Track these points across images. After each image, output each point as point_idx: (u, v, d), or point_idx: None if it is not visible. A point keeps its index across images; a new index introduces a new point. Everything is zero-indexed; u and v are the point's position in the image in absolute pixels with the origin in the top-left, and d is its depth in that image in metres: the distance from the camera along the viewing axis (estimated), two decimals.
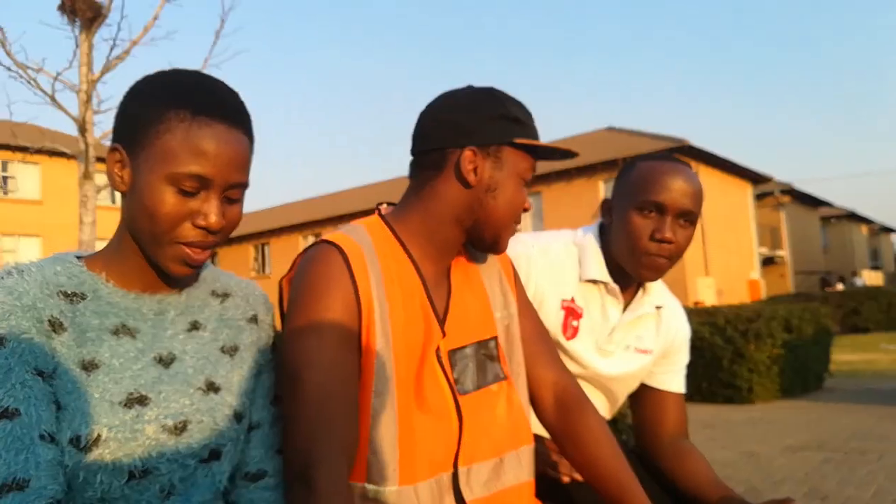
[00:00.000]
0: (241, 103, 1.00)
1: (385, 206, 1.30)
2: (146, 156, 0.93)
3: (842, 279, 31.85)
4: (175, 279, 1.03)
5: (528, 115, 1.23)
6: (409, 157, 1.26)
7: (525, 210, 1.24)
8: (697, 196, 1.47)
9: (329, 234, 1.19)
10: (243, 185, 0.98)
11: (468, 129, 1.18)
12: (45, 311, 0.90)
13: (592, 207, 22.14)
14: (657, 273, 1.49)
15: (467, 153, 1.17)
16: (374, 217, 1.26)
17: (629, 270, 1.51)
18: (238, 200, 0.99)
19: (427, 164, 1.21)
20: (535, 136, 1.22)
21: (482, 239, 1.22)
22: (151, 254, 0.96)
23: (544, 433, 1.49)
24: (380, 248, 1.18)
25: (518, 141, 1.19)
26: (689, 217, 1.48)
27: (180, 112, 0.93)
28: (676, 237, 1.46)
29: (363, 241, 1.17)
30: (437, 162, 1.20)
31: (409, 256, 1.21)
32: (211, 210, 0.94)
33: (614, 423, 3.44)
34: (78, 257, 1.01)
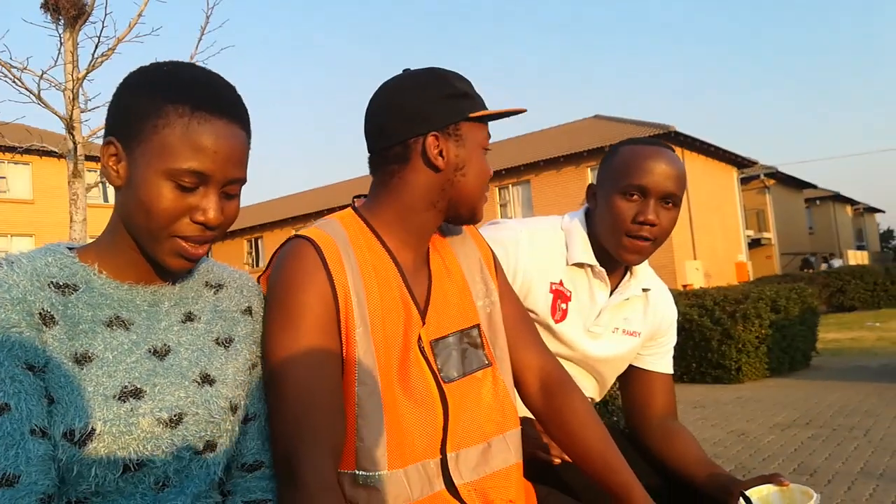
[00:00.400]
0: (239, 97, 0.99)
1: (361, 199, 1.30)
2: (143, 150, 0.91)
3: (825, 259, 32.12)
4: (169, 271, 1.02)
5: (471, 84, 1.25)
6: (367, 155, 1.26)
7: (491, 178, 1.27)
8: (680, 178, 1.49)
9: (303, 229, 1.20)
10: (241, 181, 0.98)
11: (424, 115, 1.19)
12: (36, 304, 0.88)
13: (580, 195, 22.17)
14: (640, 256, 1.51)
15: (430, 139, 1.18)
16: (348, 210, 1.26)
17: (613, 253, 1.53)
18: (236, 196, 0.99)
19: (391, 159, 1.21)
20: (482, 104, 1.24)
21: (459, 215, 1.25)
22: (148, 248, 0.95)
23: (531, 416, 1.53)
24: (355, 239, 1.19)
25: (472, 115, 1.21)
26: (673, 199, 1.50)
27: (179, 107, 0.91)
28: (660, 219, 1.48)
29: (337, 233, 1.18)
30: (401, 155, 1.20)
31: (385, 246, 1.22)
32: (210, 206, 0.94)
33: (605, 404, 3.49)
34: (70, 248, 0.99)
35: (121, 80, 0.97)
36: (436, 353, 1.20)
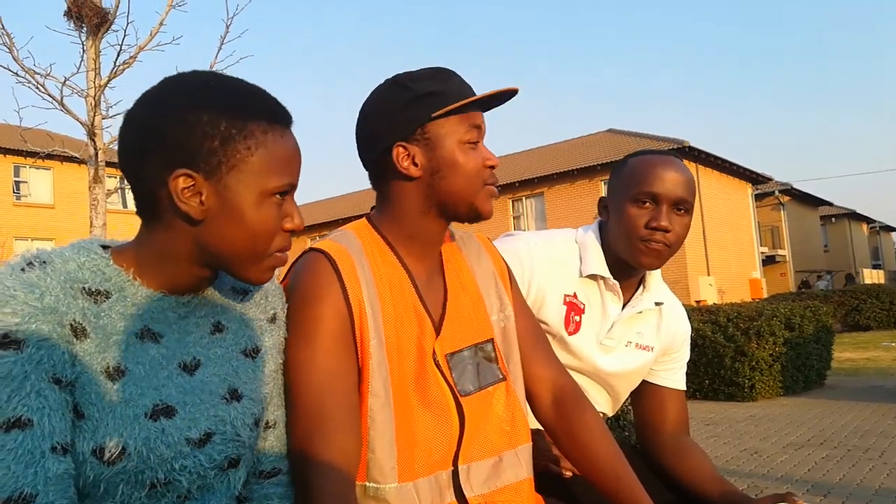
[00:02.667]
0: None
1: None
2: (237, 175, 0.89)
3: (819, 277, 31.75)
4: (203, 279, 0.99)
5: (443, 78, 1.21)
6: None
7: (492, 167, 1.22)
8: (690, 185, 1.50)
9: (318, 241, 1.20)
10: None
11: (387, 127, 1.19)
12: (68, 315, 0.85)
13: (594, 208, 22.11)
14: (658, 258, 1.51)
15: (397, 150, 1.18)
16: (362, 221, 1.27)
17: (630, 261, 1.53)
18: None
19: (375, 175, 1.24)
20: (457, 94, 1.19)
21: (458, 215, 1.22)
22: (242, 271, 0.94)
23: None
24: (369, 250, 1.20)
25: (435, 114, 1.17)
26: (684, 205, 1.51)
27: (259, 123, 0.90)
28: (673, 225, 1.49)
29: (352, 245, 1.19)
30: (379, 170, 1.22)
31: (398, 256, 1.22)
32: (294, 211, 0.96)
33: (616, 419, 3.47)
34: (104, 247, 0.95)
35: (152, 104, 0.90)
36: (451, 367, 1.21)
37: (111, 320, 0.89)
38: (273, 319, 1.10)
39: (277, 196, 0.92)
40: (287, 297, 1.15)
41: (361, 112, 1.24)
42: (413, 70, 1.23)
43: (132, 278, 0.93)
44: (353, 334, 1.13)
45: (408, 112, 1.18)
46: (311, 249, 1.18)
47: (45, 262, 0.87)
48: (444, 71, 1.23)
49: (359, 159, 1.27)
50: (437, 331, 1.21)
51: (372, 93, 1.24)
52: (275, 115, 0.92)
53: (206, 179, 0.88)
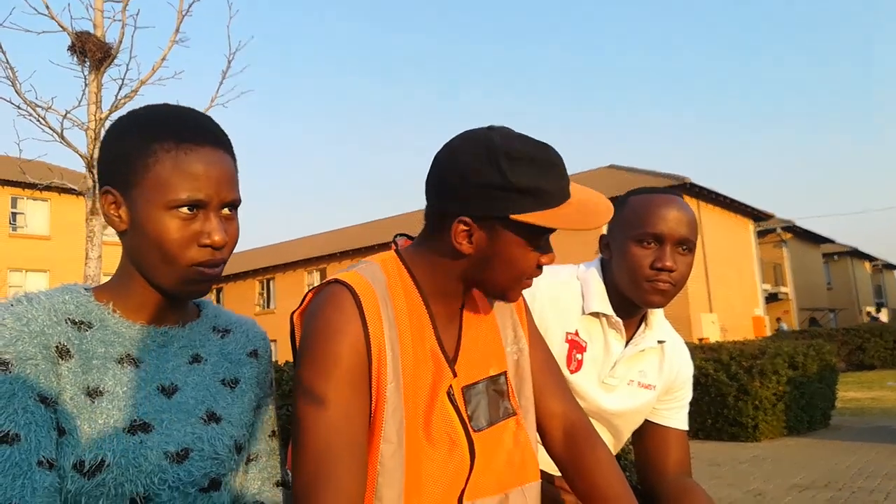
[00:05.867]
0: (218, 126, 1.03)
1: (403, 238, 1.27)
2: (140, 191, 0.95)
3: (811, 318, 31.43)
4: (178, 312, 1.06)
5: (542, 172, 1.08)
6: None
7: (540, 266, 1.15)
8: (693, 224, 1.50)
9: (343, 271, 1.17)
10: (236, 202, 1.02)
11: (461, 196, 1.09)
12: (53, 338, 0.91)
13: (594, 244, 22.16)
14: (664, 297, 1.49)
15: (458, 225, 1.10)
16: (390, 253, 1.23)
17: (635, 300, 1.52)
18: (234, 216, 1.03)
19: (431, 220, 1.17)
20: (547, 198, 1.08)
21: (489, 294, 1.19)
22: (166, 283, 0.98)
23: (552, 469, 1.48)
24: (393, 286, 1.16)
25: (514, 217, 1.07)
26: (687, 244, 1.50)
27: (165, 143, 0.95)
28: (677, 264, 1.48)
29: (377, 280, 1.15)
30: (436, 223, 1.15)
31: (421, 293, 1.18)
32: (213, 228, 0.97)
33: (617, 459, 3.41)
34: (86, 289, 1.02)
35: (104, 134, 1.02)
36: (467, 400, 1.18)
37: (92, 345, 0.95)
38: (253, 355, 1.14)
39: (185, 209, 0.95)
40: (305, 325, 1.13)
41: (444, 156, 1.12)
42: (517, 138, 1.10)
43: (112, 310, 1.00)
44: (370, 375, 1.09)
45: (491, 195, 1.07)
46: (336, 281, 1.14)
47: (31, 298, 0.94)
48: (548, 161, 1.10)
49: (424, 186, 1.18)
50: (453, 367, 1.18)
51: (465, 141, 1.11)
52: (183, 135, 0.97)
53: (121, 195, 0.97)
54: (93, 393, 0.92)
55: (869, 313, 31.48)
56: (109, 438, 0.90)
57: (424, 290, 1.19)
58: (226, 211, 1.00)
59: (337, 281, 1.13)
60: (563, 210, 1.09)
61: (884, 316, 27.42)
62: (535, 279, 1.55)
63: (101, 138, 1.04)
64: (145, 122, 0.98)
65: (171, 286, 0.99)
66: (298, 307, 1.18)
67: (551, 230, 1.11)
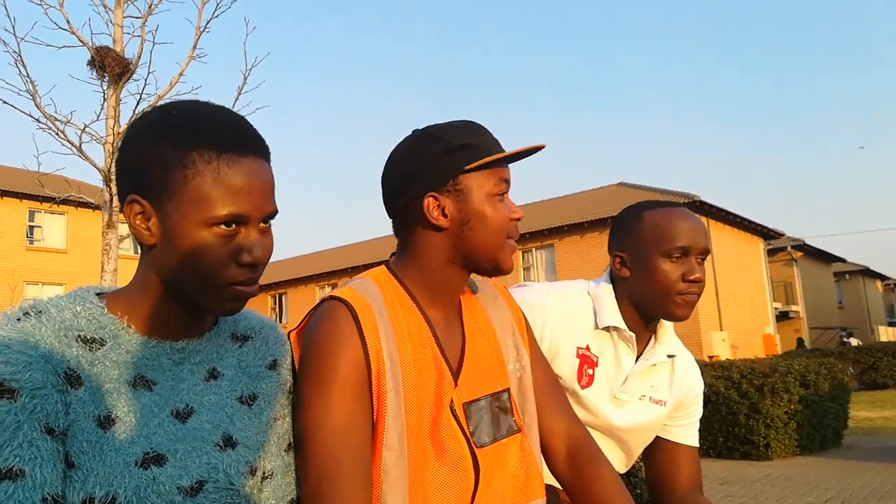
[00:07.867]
0: (256, 130, 0.96)
1: (394, 257, 1.30)
2: (176, 204, 0.88)
3: (840, 336, 30.58)
4: (198, 324, 1.00)
5: (475, 132, 1.22)
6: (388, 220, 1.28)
7: (517, 219, 1.23)
8: (707, 233, 1.56)
9: (338, 289, 1.19)
10: (275, 213, 0.96)
11: (418, 177, 1.19)
12: (62, 364, 0.84)
13: (604, 261, 22.10)
14: (690, 309, 1.54)
15: (428, 200, 1.18)
16: (381, 268, 1.26)
17: (662, 314, 1.54)
18: (270, 228, 0.97)
19: (401, 223, 1.24)
20: (488, 149, 1.20)
21: (481, 268, 1.22)
22: (202, 299, 0.92)
23: (556, 482, 1.49)
24: (388, 300, 1.19)
25: (469, 167, 1.18)
26: (706, 254, 1.56)
27: (204, 152, 0.88)
28: (703, 275, 1.54)
29: (372, 294, 1.17)
30: (406, 218, 1.22)
31: (417, 304, 1.21)
32: (254, 245, 0.92)
33: (628, 476, 3.39)
34: (99, 294, 0.96)
35: (126, 131, 0.94)
36: (468, 416, 1.19)
37: (105, 368, 0.89)
38: (273, 366, 1.09)
39: (222, 226, 0.89)
40: (303, 343, 1.14)
41: (391, 160, 1.24)
42: (444, 122, 1.24)
43: (126, 325, 0.93)
44: (370, 386, 1.11)
45: (442, 163, 1.19)
46: (332, 298, 1.17)
47: (40, 311, 0.87)
48: (476, 125, 1.24)
49: (383, 206, 1.27)
50: (456, 379, 1.20)
51: (402, 142, 1.25)
52: (224, 144, 0.89)
53: (152, 206, 0.89)
54: (104, 422, 0.86)
55: (841, 336, 30.54)
56: (121, 474, 0.85)
57: (418, 298, 1.22)
58: (262, 224, 0.94)
59: (332, 298, 1.16)
60: (504, 153, 1.20)
61: (853, 341, 26.42)
62: (545, 296, 1.57)
63: (123, 137, 0.94)
64: (180, 125, 0.90)
65: (206, 305, 0.93)
66: (296, 327, 1.20)
67: (508, 180, 1.23)
